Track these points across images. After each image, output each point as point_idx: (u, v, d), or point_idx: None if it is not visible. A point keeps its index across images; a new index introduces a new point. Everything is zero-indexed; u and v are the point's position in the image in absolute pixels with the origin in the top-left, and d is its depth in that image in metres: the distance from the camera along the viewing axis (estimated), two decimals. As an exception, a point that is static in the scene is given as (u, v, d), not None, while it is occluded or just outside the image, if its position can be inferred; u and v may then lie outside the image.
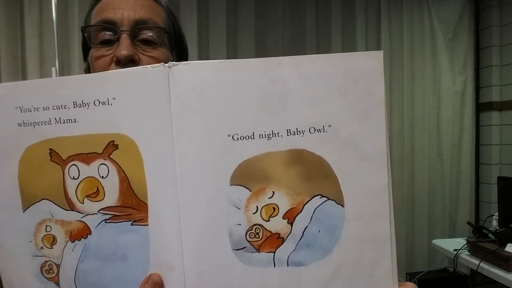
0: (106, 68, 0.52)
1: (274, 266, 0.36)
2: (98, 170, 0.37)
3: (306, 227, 0.37)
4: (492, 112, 3.10)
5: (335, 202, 0.36)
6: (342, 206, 0.36)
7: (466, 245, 1.97)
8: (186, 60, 0.62)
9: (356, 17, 2.97)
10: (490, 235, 1.94)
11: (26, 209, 0.38)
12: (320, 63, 0.35)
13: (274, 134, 0.35)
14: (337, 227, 0.37)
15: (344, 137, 0.35)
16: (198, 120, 0.35)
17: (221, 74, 0.35)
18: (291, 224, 0.36)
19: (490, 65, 3.11)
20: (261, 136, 0.35)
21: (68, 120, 0.36)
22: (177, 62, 0.36)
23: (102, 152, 0.36)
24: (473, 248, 1.90)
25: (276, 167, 0.35)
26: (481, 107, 3.22)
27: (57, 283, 0.38)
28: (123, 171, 0.36)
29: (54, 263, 0.38)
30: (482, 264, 1.78)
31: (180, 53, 0.62)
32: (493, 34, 3.09)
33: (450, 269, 2.71)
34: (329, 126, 0.35)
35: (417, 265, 3.08)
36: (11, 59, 2.54)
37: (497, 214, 2.12)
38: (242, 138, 0.35)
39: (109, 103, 0.35)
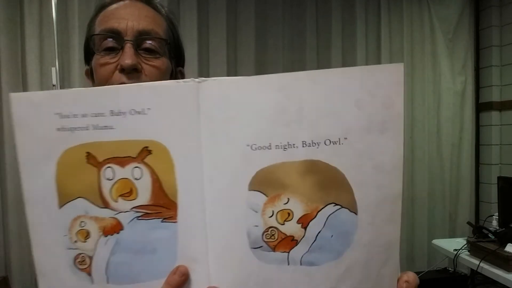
0: (110, 74, 0.55)
1: (288, 265, 0.39)
2: (132, 172, 0.40)
3: (319, 232, 0.39)
4: (492, 112, 3.10)
5: (349, 210, 0.38)
6: (356, 214, 0.38)
7: (466, 245, 1.97)
8: (183, 67, 0.66)
9: (356, 17, 2.97)
10: (490, 235, 1.94)
11: (62, 206, 0.41)
12: (337, 76, 0.37)
13: (289, 145, 0.38)
14: (349, 233, 0.39)
15: (360, 149, 0.37)
16: (222, 130, 0.38)
17: (242, 89, 0.38)
18: (305, 228, 0.39)
19: (490, 65, 3.11)
20: (277, 147, 0.38)
21: (104, 127, 0.39)
22: (206, 78, 0.39)
23: (136, 156, 0.40)
24: (473, 248, 1.90)
25: (291, 176, 0.38)
26: (481, 107, 3.22)
27: (89, 274, 0.41)
28: (156, 173, 0.40)
29: (87, 256, 0.41)
30: (482, 264, 1.78)
31: (178, 61, 0.64)
32: (493, 34, 3.09)
33: (450, 269, 2.71)
34: (345, 138, 0.37)
35: (417, 265, 3.08)
36: (11, 59, 2.54)
37: (497, 214, 2.12)
38: (259, 148, 0.38)
39: (144, 113, 0.39)
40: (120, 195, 0.40)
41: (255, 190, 0.39)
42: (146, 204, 0.40)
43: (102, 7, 0.60)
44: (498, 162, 3.11)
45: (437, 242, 2.26)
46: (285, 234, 0.39)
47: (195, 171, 0.39)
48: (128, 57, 0.53)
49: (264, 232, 0.39)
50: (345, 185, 0.38)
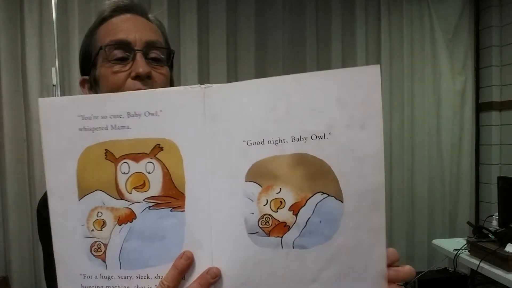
0: (122, 82, 0.59)
1: (282, 248, 0.43)
2: (146, 166, 0.45)
3: (309, 218, 0.43)
4: (492, 112, 3.10)
5: (335, 198, 0.42)
6: (342, 201, 0.42)
7: (466, 245, 1.97)
8: (172, 69, 0.70)
9: (356, 17, 2.97)
10: (490, 235, 1.94)
11: (81, 198, 0.46)
12: (320, 78, 0.41)
13: (280, 141, 0.42)
14: (336, 219, 0.42)
15: (343, 143, 0.41)
16: (223, 129, 0.44)
17: (239, 93, 0.44)
18: (296, 215, 0.43)
19: (490, 65, 3.11)
20: (269, 142, 0.43)
21: (122, 127, 0.45)
22: (210, 85, 0.45)
23: (149, 152, 0.45)
24: (473, 248, 1.90)
25: (282, 168, 0.42)
26: (481, 107, 3.22)
27: (104, 260, 0.46)
28: (166, 167, 0.45)
29: (102, 243, 0.46)
30: (482, 264, 1.78)
31: (171, 67, 0.68)
32: (493, 34, 3.09)
33: (450, 269, 2.71)
34: (329, 133, 0.41)
35: (417, 265, 3.07)
36: (11, 59, 2.54)
37: (497, 214, 2.12)
38: (254, 143, 0.43)
39: (157, 115, 0.45)
40: (134, 187, 0.45)
41: (251, 181, 0.44)
42: (157, 195, 0.45)
43: (103, 20, 0.63)
44: (498, 162, 3.11)
45: (437, 242, 2.26)
46: (278, 221, 0.43)
47: (200, 165, 0.44)
48: (142, 66, 0.59)
49: (259, 219, 0.44)
50: (331, 175, 0.42)
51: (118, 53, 0.60)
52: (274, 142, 0.43)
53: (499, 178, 2.15)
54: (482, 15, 3.20)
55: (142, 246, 0.45)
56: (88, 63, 0.64)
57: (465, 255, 1.94)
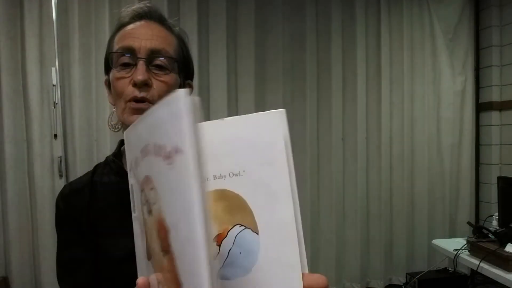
0: (125, 87, 0.62)
1: None
2: None
3: (230, 249, 0.45)
4: (492, 112, 3.11)
5: (251, 230, 0.44)
6: (257, 234, 0.44)
7: (466, 245, 1.97)
8: (192, 79, 0.73)
9: (356, 17, 2.97)
10: (490, 235, 1.94)
11: None
12: (234, 124, 0.46)
13: (208, 178, 0.45)
14: (254, 251, 0.44)
15: (256, 179, 0.45)
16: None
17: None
18: (219, 246, 0.45)
19: (490, 65, 3.11)
20: (208, 179, 0.45)
21: None
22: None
23: None
24: (473, 248, 1.90)
25: (210, 203, 0.43)
26: (481, 107, 3.22)
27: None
28: None
29: None
30: (482, 264, 1.78)
31: (187, 74, 0.71)
32: (493, 34, 3.09)
33: (450, 269, 2.71)
34: (243, 171, 0.45)
35: (417, 265, 3.08)
36: (11, 59, 2.54)
37: (497, 214, 2.12)
38: (207, 179, 0.46)
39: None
40: None
41: None
42: None
43: (121, 26, 0.67)
44: (498, 162, 3.11)
45: (437, 242, 2.26)
46: None
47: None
48: (140, 74, 0.61)
49: None
50: (247, 209, 0.45)
51: (123, 60, 0.63)
52: (208, 179, 0.45)
53: (499, 178, 2.15)
54: (482, 15, 3.20)
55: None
56: (106, 65, 0.68)
57: (465, 255, 1.94)
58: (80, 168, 2.63)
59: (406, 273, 2.88)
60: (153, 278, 0.41)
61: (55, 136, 2.59)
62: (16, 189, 2.56)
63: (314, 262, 2.93)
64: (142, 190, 0.44)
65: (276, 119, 0.45)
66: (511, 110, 3.01)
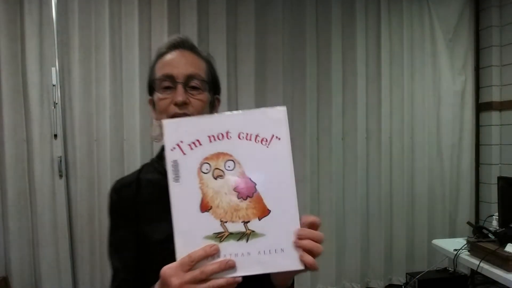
0: (167, 107, 0.77)
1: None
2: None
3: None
4: (492, 112, 3.11)
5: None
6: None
7: (466, 245, 1.97)
8: (219, 94, 0.89)
9: (356, 17, 2.97)
10: (490, 235, 1.94)
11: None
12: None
13: None
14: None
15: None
16: None
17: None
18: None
19: (490, 65, 3.11)
20: None
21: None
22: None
23: None
24: (473, 248, 1.90)
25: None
26: (481, 107, 3.22)
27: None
28: None
29: None
30: (482, 264, 1.78)
31: (215, 91, 0.86)
32: (493, 34, 3.09)
33: (450, 269, 2.71)
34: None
35: (417, 265, 3.08)
36: (11, 59, 2.54)
37: (497, 214, 2.12)
38: None
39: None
40: None
41: None
42: None
43: (160, 55, 0.82)
44: (498, 162, 3.11)
45: (437, 242, 2.26)
46: None
47: None
48: (179, 95, 0.76)
49: None
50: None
51: (165, 84, 0.79)
52: None
53: (499, 178, 2.15)
54: (482, 15, 3.20)
55: None
56: (151, 88, 0.84)
57: (465, 255, 1.94)
58: (80, 168, 2.63)
59: (406, 273, 2.88)
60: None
61: (55, 136, 2.59)
62: (16, 189, 2.56)
63: (314, 262, 2.93)
64: (204, 163, 0.57)
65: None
66: (511, 110, 3.02)
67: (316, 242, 0.57)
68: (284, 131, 0.58)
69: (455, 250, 1.99)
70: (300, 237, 0.56)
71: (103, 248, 2.67)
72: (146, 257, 0.76)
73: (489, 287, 2.62)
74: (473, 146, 3.22)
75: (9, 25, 2.52)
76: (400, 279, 3.05)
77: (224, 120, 0.59)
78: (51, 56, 2.57)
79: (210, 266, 0.54)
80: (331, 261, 2.95)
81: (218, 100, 0.88)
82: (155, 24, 2.69)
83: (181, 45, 0.82)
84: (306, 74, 2.90)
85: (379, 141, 3.01)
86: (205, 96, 0.80)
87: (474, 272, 2.01)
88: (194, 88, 0.79)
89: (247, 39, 2.81)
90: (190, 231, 0.56)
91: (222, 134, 0.58)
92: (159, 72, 0.80)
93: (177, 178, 0.57)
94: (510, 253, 1.69)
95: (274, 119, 0.58)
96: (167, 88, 0.78)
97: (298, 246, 0.56)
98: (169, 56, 0.81)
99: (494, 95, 3.10)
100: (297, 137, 2.87)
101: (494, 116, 3.10)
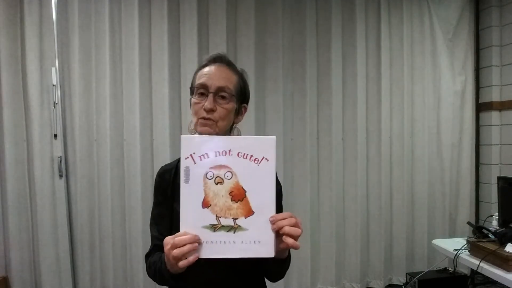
0: (199, 109, 0.93)
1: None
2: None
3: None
4: (492, 112, 3.11)
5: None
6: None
7: (466, 245, 1.97)
8: (247, 103, 1.05)
9: (356, 17, 2.97)
10: (490, 235, 1.94)
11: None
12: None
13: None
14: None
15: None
16: None
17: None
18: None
19: (490, 65, 3.11)
20: None
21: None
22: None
23: None
24: (473, 248, 1.90)
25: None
26: (481, 107, 3.23)
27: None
28: None
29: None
30: (482, 264, 1.78)
31: (243, 100, 1.02)
32: (493, 34, 3.09)
33: (450, 269, 2.71)
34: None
35: (417, 265, 3.08)
36: (11, 59, 2.54)
37: (497, 214, 2.12)
38: None
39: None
40: None
41: None
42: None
43: (203, 66, 0.98)
44: (498, 162, 3.12)
45: (437, 242, 2.26)
46: None
47: None
48: (209, 103, 0.92)
49: None
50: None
51: (200, 91, 0.95)
52: None
53: (499, 178, 2.15)
54: (482, 15, 3.20)
55: None
56: (192, 90, 0.99)
57: (465, 255, 1.94)
58: (80, 168, 2.63)
59: (406, 273, 2.88)
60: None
61: (55, 136, 2.59)
62: (16, 189, 2.56)
63: (314, 262, 2.93)
64: (208, 172, 0.74)
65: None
66: (511, 110, 3.02)
67: (292, 226, 0.73)
68: (271, 155, 0.75)
69: (455, 250, 1.99)
70: (273, 222, 0.74)
71: (103, 248, 2.67)
72: (176, 229, 0.90)
73: (489, 287, 2.62)
74: (473, 146, 3.22)
75: (9, 25, 2.52)
76: (400, 279, 3.05)
77: (228, 141, 0.76)
78: (51, 56, 2.57)
79: (185, 237, 0.73)
80: (331, 261, 2.95)
81: (245, 108, 1.04)
82: (155, 24, 2.69)
83: (219, 60, 0.99)
84: (306, 74, 2.90)
85: (379, 141, 3.01)
86: (230, 105, 0.96)
87: (474, 272, 2.01)
88: (222, 97, 0.94)
89: (247, 39, 2.81)
90: (192, 221, 0.73)
91: (225, 151, 0.74)
92: (198, 80, 0.96)
93: (187, 180, 0.74)
94: (510, 253, 1.69)
95: (266, 145, 0.75)
96: (202, 94, 0.95)
97: (274, 228, 0.73)
98: (207, 69, 0.97)
99: (494, 95, 3.10)
100: (297, 137, 2.87)
101: (494, 116, 3.10)
